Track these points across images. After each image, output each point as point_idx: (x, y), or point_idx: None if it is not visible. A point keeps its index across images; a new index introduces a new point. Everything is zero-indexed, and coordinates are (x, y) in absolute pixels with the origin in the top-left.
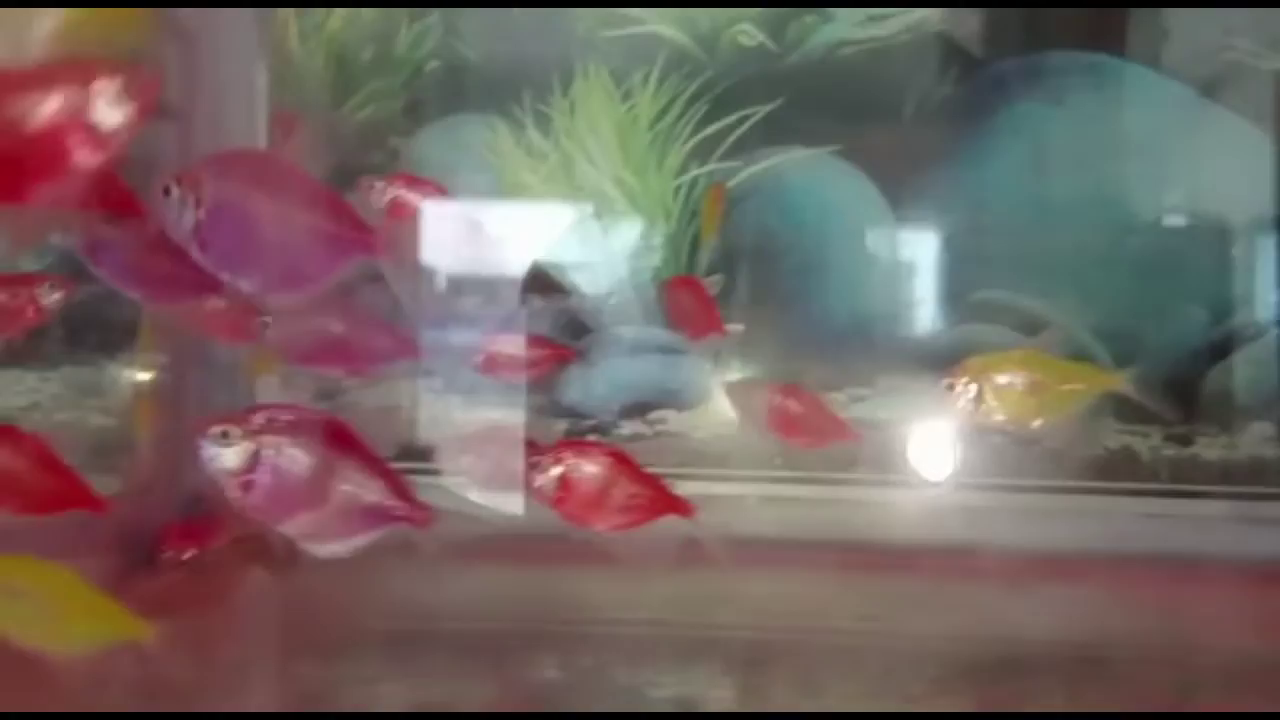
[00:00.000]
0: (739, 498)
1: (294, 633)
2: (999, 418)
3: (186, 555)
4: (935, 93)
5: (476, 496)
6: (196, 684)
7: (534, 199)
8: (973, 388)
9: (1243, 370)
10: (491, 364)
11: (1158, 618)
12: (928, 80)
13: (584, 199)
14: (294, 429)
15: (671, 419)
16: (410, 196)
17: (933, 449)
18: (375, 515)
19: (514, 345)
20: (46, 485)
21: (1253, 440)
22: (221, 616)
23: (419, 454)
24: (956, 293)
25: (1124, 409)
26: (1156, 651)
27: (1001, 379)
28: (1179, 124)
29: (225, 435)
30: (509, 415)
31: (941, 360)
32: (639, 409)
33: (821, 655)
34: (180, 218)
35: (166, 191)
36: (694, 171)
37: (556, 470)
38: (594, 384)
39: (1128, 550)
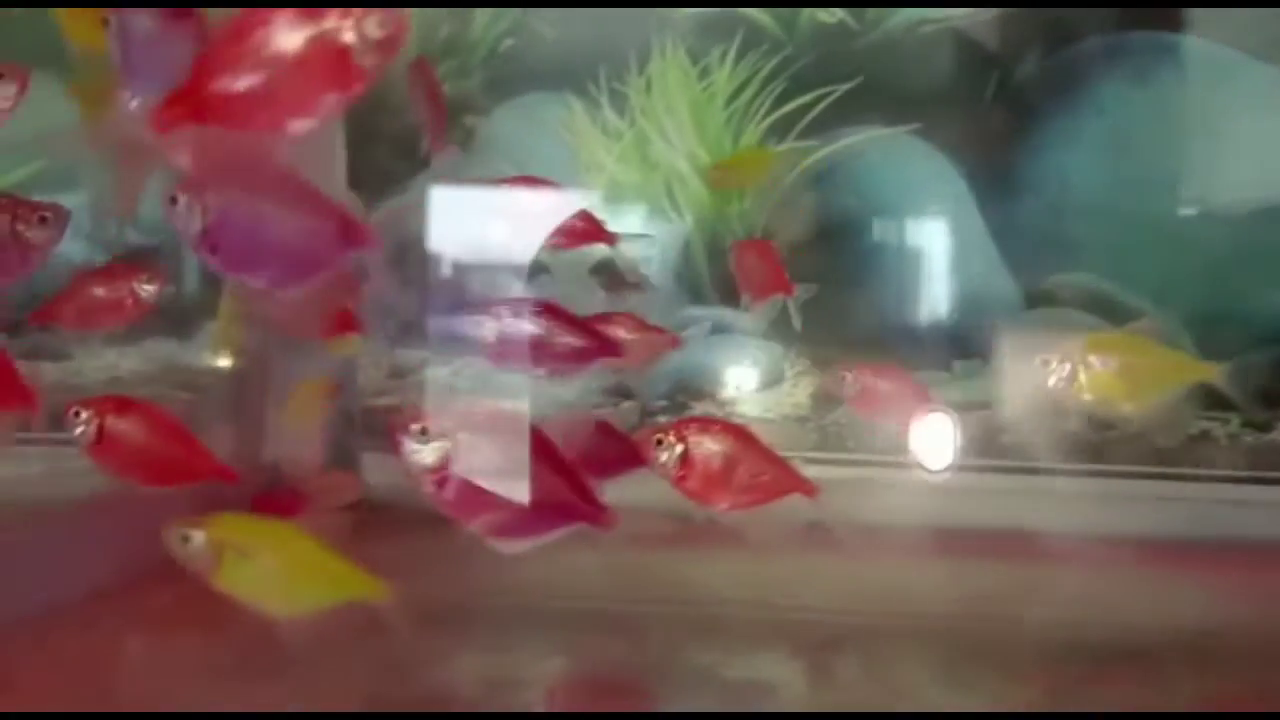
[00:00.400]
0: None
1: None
2: (1090, 398)
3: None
4: (1017, 72)
5: None
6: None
7: (610, 178)
8: (1067, 366)
9: None
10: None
11: (1248, 604)
12: (1009, 60)
13: (658, 178)
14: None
15: (745, 401)
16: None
17: (1010, 433)
18: (561, 514)
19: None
20: (175, 456)
21: None
22: None
23: None
24: (1034, 275)
25: (1203, 395)
26: (1261, 639)
27: (1098, 360)
28: (1264, 105)
29: (424, 432)
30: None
31: (1018, 344)
32: (710, 390)
33: (947, 642)
34: (188, 224)
35: (174, 200)
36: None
37: (679, 447)
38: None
39: (1205, 536)
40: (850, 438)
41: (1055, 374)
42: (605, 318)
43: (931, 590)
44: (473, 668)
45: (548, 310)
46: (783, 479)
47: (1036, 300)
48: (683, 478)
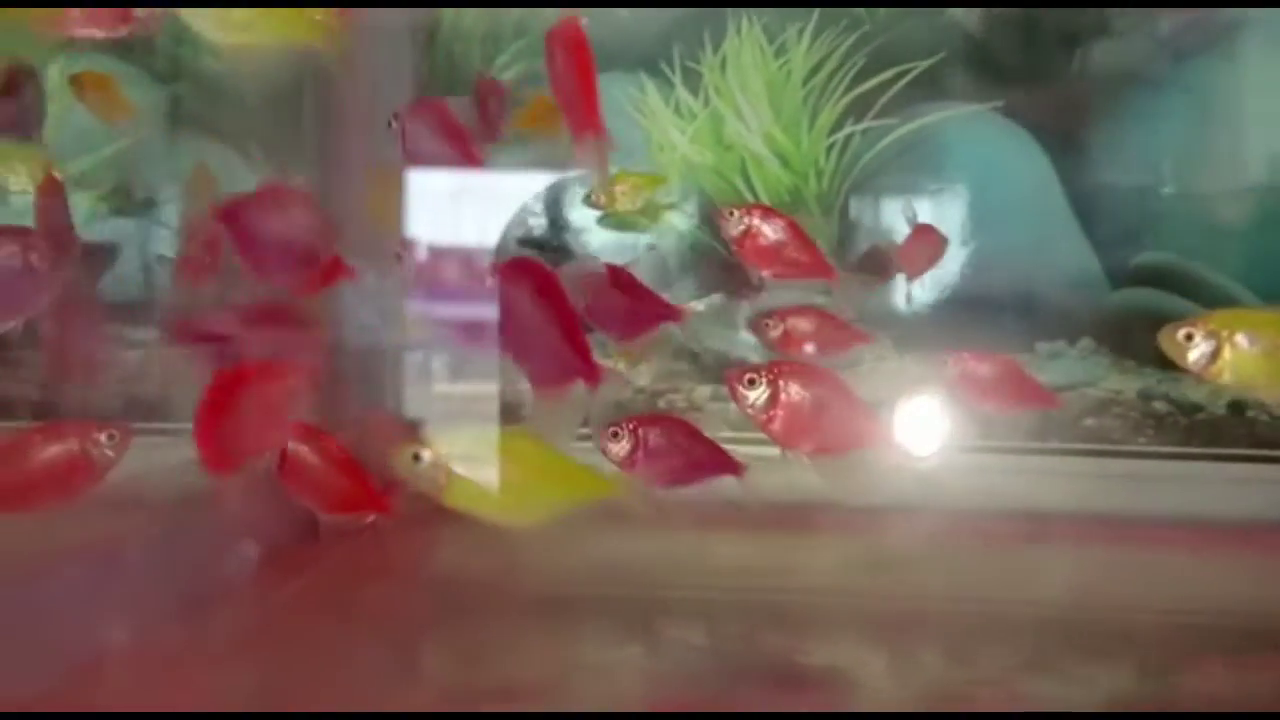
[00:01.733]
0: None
1: (455, 594)
2: (1230, 379)
3: (369, 519)
4: (1101, 48)
5: None
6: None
7: (682, 158)
8: (1211, 342)
9: None
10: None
11: None
12: (1094, 35)
13: (732, 158)
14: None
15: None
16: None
17: (1100, 415)
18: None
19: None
20: (342, 485)
21: None
22: (400, 578)
23: None
24: (1120, 256)
25: None
26: None
27: (1244, 338)
28: None
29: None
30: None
31: (1103, 325)
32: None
33: (1055, 630)
34: None
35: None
36: (849, 129)
37: (768, 389)
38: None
39: None
40: (927, 425)
41: (1196, 348)
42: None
43: (1014, 574)
44: (550, 655)
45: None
46: (868, 430)
47: (1121, 281)
48: (769, 419)
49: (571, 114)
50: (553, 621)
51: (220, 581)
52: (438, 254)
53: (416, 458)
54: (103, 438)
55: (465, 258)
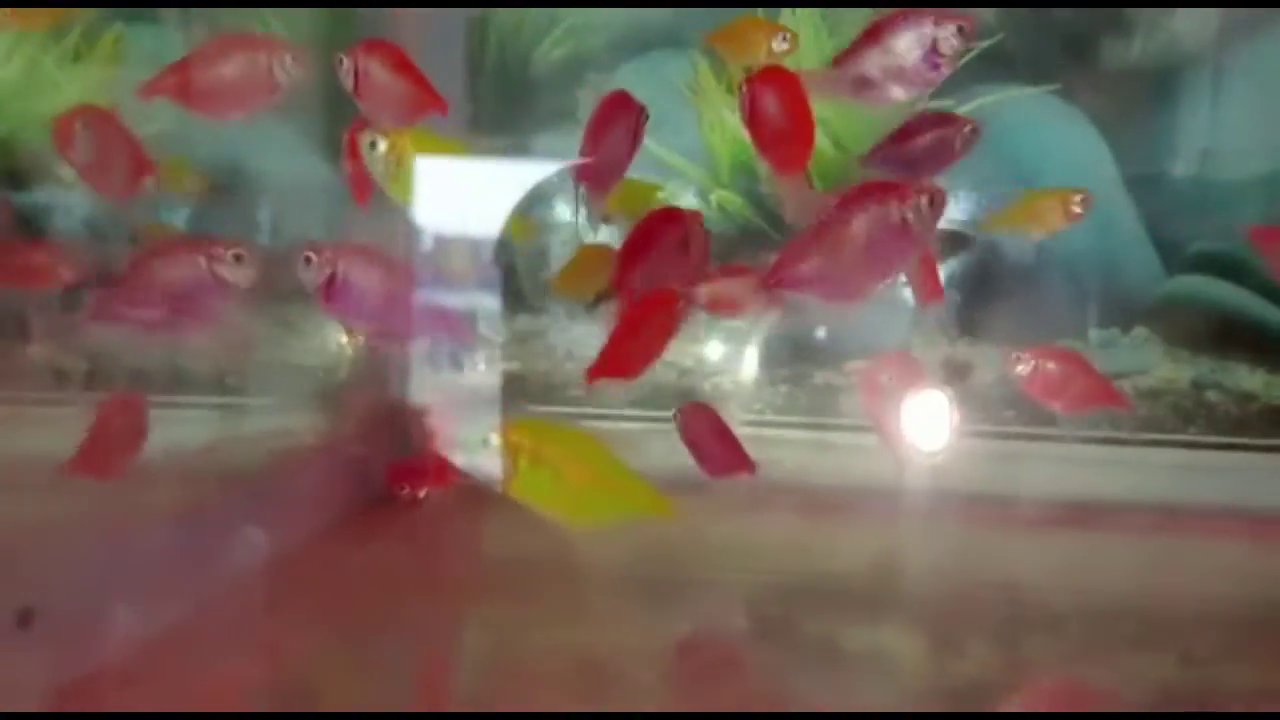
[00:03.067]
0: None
1: (489, 574)
2: None
3: (422, 493)
4: (1164, 29)
5: None
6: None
7: (733, 136)
8: None
9: None
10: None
11: None
12: (1156, 16)
13: None
14: None
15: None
16: None
17: (1153, 403)
18: None
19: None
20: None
21: None
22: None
23: None
24: (1176, 243)
25: None
26: None
27: None
28: None
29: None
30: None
31: (1157, 313)
32: (834, 357)
33: (1102, 619)
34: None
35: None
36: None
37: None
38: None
39: None
40: (988, 409)
41: None
42: None
43: (1063, 562)
44: (593, 638)
45: None
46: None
47: (1177, 268)
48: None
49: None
50: (606, 598)
51: (287, 549)
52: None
53: (485, 442)
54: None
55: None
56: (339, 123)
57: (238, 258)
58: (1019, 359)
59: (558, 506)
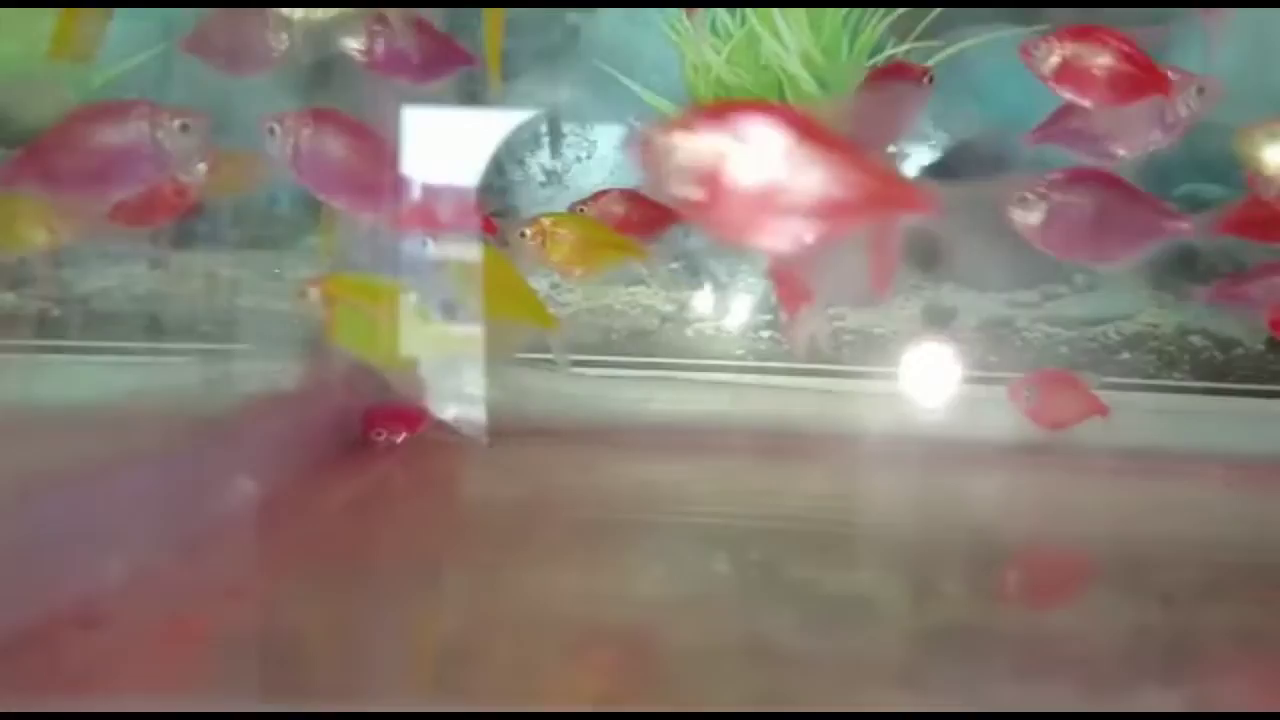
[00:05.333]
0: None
1: (478, 517)
2: None
3: (400, 438)
4: None
5: None
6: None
7: (716, 78)
8: None
9: None
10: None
11: None
12: None
13: (768, 79)
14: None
15: (850, 314)
16: None
17: (1137, 349)
18: None
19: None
20: None
21: None
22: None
23: None
24: (1161, 187)
25: None
26: None
27: None
28: None
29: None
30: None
31: (1140, 258)
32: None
33: (1079, 563)
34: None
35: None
36: (889, 50)
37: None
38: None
39: None
40: (963, 356)
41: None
42: None
43: (1044, 506)
44: (571, 579)
45: None
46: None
47: None
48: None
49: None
50: (583, 543)
51: (259, 493)
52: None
53: (302, 294)
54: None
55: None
56: None
57: (184, 127)
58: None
59: (372, 350)
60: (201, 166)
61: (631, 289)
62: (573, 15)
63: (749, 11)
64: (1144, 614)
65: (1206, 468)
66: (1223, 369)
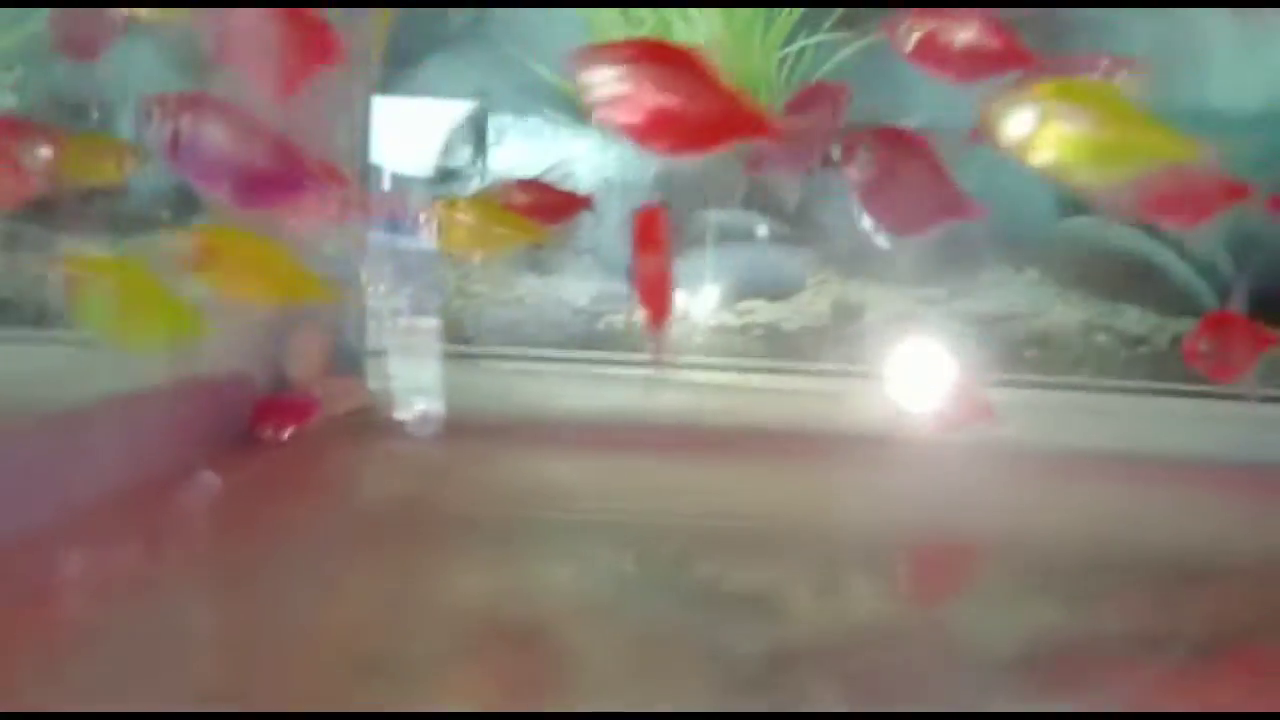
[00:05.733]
0: (835, 394)
1: (381, 514)
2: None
3: (286, 433)
4: None
5: None
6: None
7: None
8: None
9: None
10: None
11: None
12: None
13: None
14: None
15: (760, 309)
16: None
17: (1043, 347)
18: None
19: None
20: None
21: None
22: (320, 496)
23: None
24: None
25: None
26: None
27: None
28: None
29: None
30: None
31: (1050, 255)
32: (729, 297)
33: (978, 560)
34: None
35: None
36: (801, 42)
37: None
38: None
39: (1238, 455)
40: (871, 349)
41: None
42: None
43: (945, 503)
44: (478, 578)
45: None
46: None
47: (1071, 210)
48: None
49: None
50: (476, 542)
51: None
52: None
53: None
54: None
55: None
56: None
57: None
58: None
59: (115, 331)
60: (44, 152)
61: (544, 278)
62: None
63: None
64: (1037, 612)
65: (1107, 466)
66: (1127, 367)
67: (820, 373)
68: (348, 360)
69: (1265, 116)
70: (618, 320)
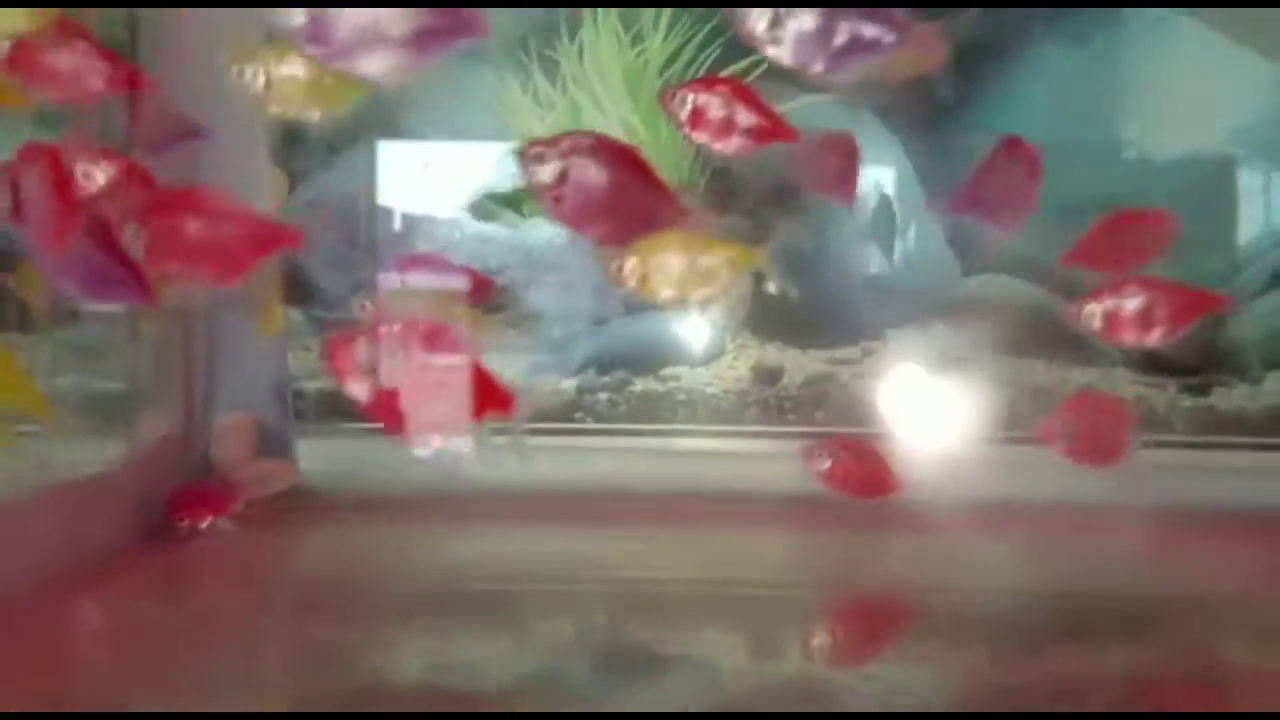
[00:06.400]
0: (752, 454)
1: (310, 595)
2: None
3: (203, 523)
4: (955, 35)
5: None
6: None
7: None
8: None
9: (1259, 319)
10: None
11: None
12: (947, 22)
13: None
14: None
15: (684, 375)
16: None
17: (942, 403)
18: None
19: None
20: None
21: (1273, 390)
22: (240, 583)
23: None
24: (971, 241)
25: (1139, 361)
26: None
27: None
28: (1197, 65)
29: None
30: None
31: (956, 313)
32: (652, 364)
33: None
34: None
35: None
36: None
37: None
38: (607, 339)
39: (1146, 503)
40: (791, 411)
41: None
42: None
43: (841, 558)
44: (415, 653)
45: None
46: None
47: (974, 267)
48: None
49: None
50: (413, 620)
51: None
52: None
53: None
54: None
55: None
56: None
57: None
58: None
59: None
60: None
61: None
62: (398, 91)
63: (570, 80)
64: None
65: (1014, 515)
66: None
67: (740, 434)
68: (275, 442)
69: (1187, 160)
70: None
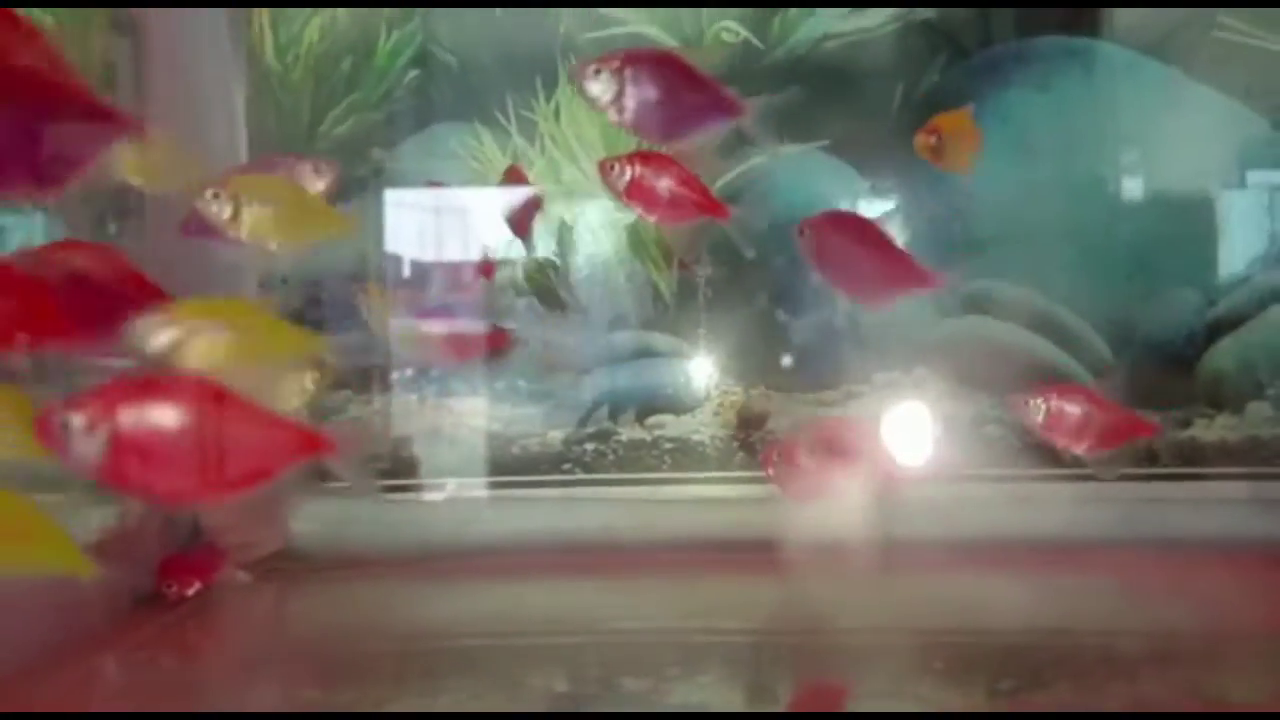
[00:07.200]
0: (739, 500)
1: (301, 657)
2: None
3: (191, 590)
4: (923, 82)
5: None
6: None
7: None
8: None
9: (1237, 350)
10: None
11: (1169, 604)
12: (915, 70)
13: (573, 204)
14: None
15: (669, 423)
16: None
17: (929, 442)
18: None
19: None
20: None
21: (1253, 420)
22: (230, 648)
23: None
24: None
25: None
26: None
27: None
28: (1164, 105)
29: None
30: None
31: (936, 353)
32: (637, 413)
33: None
34: None
35: None
36: None
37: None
38: (592, 388)
39: (1131, 535)
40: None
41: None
42: None
43: (827, 601)
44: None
45: None
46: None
47: (952, 309)
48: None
49: None
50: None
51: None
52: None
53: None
54: None
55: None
56: None
57: None
58: (1027, 403)
59: None
60: None
61: (447, 400)
62: (376, 151)
63: (548, 139)
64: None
65: (1001, 552)
66: (1018, 455)
67: (725, 480)
68: (265, 502)
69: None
70: (530, 444)
